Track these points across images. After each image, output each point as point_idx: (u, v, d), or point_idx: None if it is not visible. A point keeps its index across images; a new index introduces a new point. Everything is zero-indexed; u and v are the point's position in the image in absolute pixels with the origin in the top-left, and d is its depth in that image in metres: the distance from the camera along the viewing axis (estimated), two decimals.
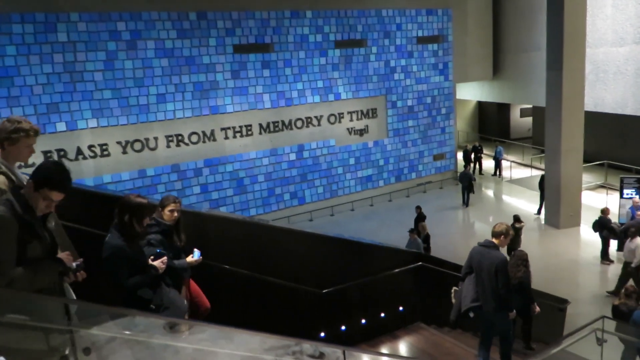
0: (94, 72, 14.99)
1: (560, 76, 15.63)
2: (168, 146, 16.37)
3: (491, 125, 31.20)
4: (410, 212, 15.71)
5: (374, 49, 20.18)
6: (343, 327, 7.06)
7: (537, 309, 7.39)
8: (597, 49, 19.13)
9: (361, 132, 20.45)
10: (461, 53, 22.90)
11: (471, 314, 5.95)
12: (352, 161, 20.38)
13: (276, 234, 6.73)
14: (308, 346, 3.82)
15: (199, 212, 7.03)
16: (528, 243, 15.80)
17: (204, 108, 16.78)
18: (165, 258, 4.29)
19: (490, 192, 22.29)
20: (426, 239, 14.39)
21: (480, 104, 32.12)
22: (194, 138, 16.79)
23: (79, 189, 5.64)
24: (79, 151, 15.06)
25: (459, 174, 20.82)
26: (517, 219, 13.86)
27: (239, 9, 17.06)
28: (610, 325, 7.74)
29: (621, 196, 15.67)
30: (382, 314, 7.44)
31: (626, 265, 11.78)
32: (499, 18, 24.44)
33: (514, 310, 6.19)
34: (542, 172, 17.55)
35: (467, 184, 19.41)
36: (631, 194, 15.22)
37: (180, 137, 16.54)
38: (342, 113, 19.88)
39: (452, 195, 20.99)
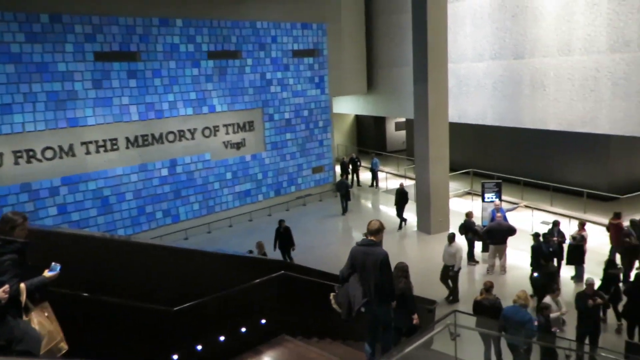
0: None
1: (426, 89, 16.31)
2: (16, 163, 14.74)
3: (369, 138, 32.15)
4: (290, 225, 15.40)
5: (249, 61, 19.91)
6: (199, 347, 6.53)
7: (417, 320, 7.39)
8: (459, 64, 20.29)
9: (238, 145, 20.00)
10: (337, 67, 23.32)
11: (362, 309, 6.05)
12: (229, 176, 19.84)
13: (117, 248, 6.07)
14: None
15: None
16: (402, 249, 16.28)
17: (60, 120, 15.38)
18: (6, 287, 3.74)
19: (368, 202, 22.76)
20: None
21: (357, 118, 33.02)
22: (49, 153, 15.30)
23: None
24: None
25: (336, 183, 21.08)
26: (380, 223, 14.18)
27: (101, 13, 15.99)
28: (470, 320, 7.96)
29: (483, 200, 16.60)
30: (243, 329, 7.00)
31: (446, 268, 12.48)
32: (372, 34, 25.28)
33: (395, 302, 6.40)
34: (398, 187, 18.17)
35: (345, 191, 19.97)
36: (492, 198, 16.17)
37: (31, 153, 14.96)
38: (218, 126, 19.33)
39: (332, 207, 21.13)
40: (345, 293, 6.13)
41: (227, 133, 19.62)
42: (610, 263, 11.15)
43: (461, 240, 14.91)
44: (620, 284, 10.98)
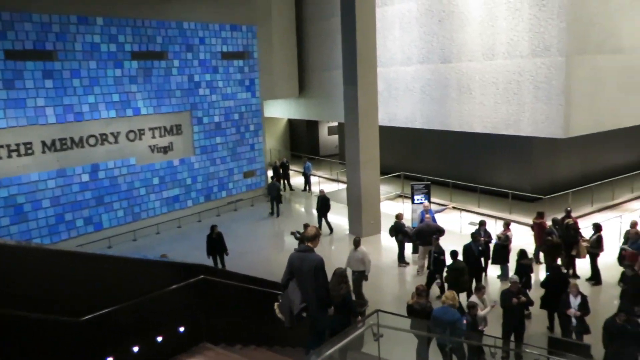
0: None
1: (356, 92, 16.28)
2: None
3: (301, 142, 32.00)
4: (222, 231, 14.90)
5: (176, 63, 19.27)
6: (110, 359, 6.03)
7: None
8: (389, 67, 20.49)
9: (165, 149, 19.28)
10: (267, 70, 23.02)
11: (304, 314, 6.16)
12: (156, 181, 19.07)
13: (9, 254, 5.46)
14: None
15: None
16: (335, 253, 16.10)
17: None
18: None
19: (300, 207, 22.53)
20: None
21: (290, 123, 32.82)
22: None
23: None
24: None
25: (267, 186, 20.76)
26: (306, 226, 14.07)
27: (12, 9, 14.96)
28: (397, 321, 7.84)
29: (412, 202, 16.73)
30: (159, 338, 6.54)
31: (357, 275, 12.14)
32: (302, 37, 25.18)
33: (332, 307, 6.51)
34: (319, 194, 18.01)
35: (276, 194, 19.88)
36: (421, 200, 16.31)
37: None
38: (143, 129, 18.54)
39: (264, 211, 20.76)
40: (287, 300, 6.24)
41: (154, 137, 18.86)
42: (522, 254, 11.47)
43: (391, 243, 15.01)
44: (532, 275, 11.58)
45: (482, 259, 12.63)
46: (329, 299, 6.40)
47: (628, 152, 21.98)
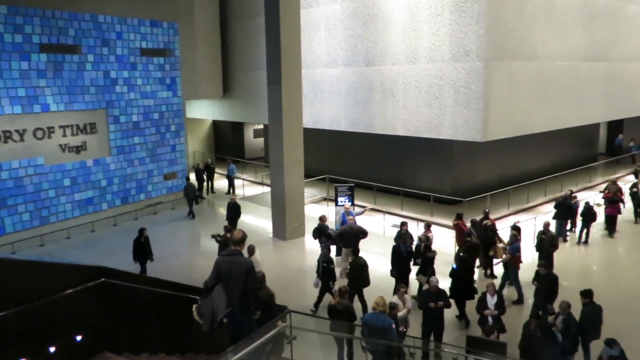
0: None
1: (280, 92, 15.97)
2: None
3: (226, 145, 31.28)
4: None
5: (91, 57, 18.22)
6: None
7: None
8: (314, 69, 20.35)
9: (78, 149, 18.16)
10: (190, 69, 22.31)
11: (225, 320, 6.07)
12: (67, 182, 17.92)
13: None
14: None
15: None
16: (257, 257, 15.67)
17: None
18: None
19: (223, 210, 21.82)
20: None
21: (215, 124, 32.03)
22: None
23: None
24: None
25: (184, 188, 20.05)
26: (228, 229, 13.71)
27: None
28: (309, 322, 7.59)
29: (336, 204, 16.61)
30: (52, 348, 5.91)
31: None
32: (227, 37, 24.62)
33: (258, 312, 6.49)
34: (229, 201, 17.36)
35: (193, 196, 19.55)
36: (345, 202, 16.21)
37: None
38: (53, 127, 17.38)
39: (185, 215, 19.97)
40: (209, 304, 6.13)
41: (65, 135, 17.72)
42: (426, 247, 11.86)
43: (315, 245, 14.78)
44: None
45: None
46: (259, 303, 6.47)
47: (542, 158, 22.98)
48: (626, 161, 27.08)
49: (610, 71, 20.97)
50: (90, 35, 18.18)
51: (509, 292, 12.33)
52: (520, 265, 12.23)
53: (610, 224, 16.53)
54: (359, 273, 11.10)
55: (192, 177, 22.84)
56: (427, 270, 11.59)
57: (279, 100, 16.04)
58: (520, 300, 11.89)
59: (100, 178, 18.95)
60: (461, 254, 11.88)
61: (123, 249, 15.75)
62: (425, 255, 11.77)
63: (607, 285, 12.85)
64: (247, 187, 23.92)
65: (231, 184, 23.34)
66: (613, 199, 16.40)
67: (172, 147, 21.44)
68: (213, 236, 14.12)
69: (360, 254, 13.95)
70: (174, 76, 21.16)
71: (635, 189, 17.26)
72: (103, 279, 6.34)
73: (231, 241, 6.36)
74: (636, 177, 19.78)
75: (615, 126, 29.29)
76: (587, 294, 9.03)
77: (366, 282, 11.21)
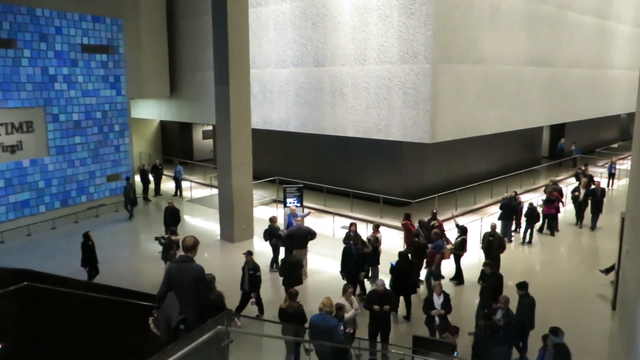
0: None
1: (228, 92, 15.61)
2: None
3: (174, 146, 30.50)
4: (78, 240, 13.43)
5: (27, 52, 17.35)
6: None
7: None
8: (263, 69, 20.07)
9: (13, 148, 17.24)
10: (135, 68, 21.61)
11: (181, 327, 5.93)
12: (1, 183, 16.97)
13: None
14: None
15: None
16: (204, 259, 15.24)
17: None
18: None
19: None
20: None
21: (163, 126, 31.21)
22: None
23: None
24: None
25: (124, 189, 19.41)
26: (173, 231, 13.38)
27: None
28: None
29: (285, 205, 16.37)
30: None
31: None
32: (174, 35, 24.04)
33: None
34: (167, 205, 16.44)
35: (133, 196, 19.09)
36: (293, 203, 16.00)
37: None
38: None
39: (128, 217, 19.28)
40: (164, 313, 6.02)
41: None
42: (362, 243, 12.04)
43: (264, 247, 14.49)
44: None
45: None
46: (210, 310, 6.32)
47: (488, 160, 23.44)
48: (568, 164, 27.98)
49: (553, 76, 21.60)
50: (27, 29, 17.32)
51: (457, 291, 12.42)
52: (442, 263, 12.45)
53: (548, 223, 17.00)
54: (291, 270, 11.21)
55: (138, 178, 22.13)
56: (362, 266, 11.76)
57: (227, 101, 15.69)
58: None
59: (38, 179, 18.05)
60: (401, 251, 11.87)
61: (62, 254, 15.07)
62: (360, 251, 11.84)
63: (549, 283, 13.12)
64: (195, 189, 23.37)
65: (178, 186, 22.74)
66: (549, 199, 16.84)
67: (116, 148, 20.68)
68: (156, 238, 13.65)
69: (310, 256, 13.88)
70: (118, 74, 20.43)
71: (577, 193, 17.73)
72: (26, 283, 5.88)
73: (182, 247, 6.26)
74: (577, 180, 20.37)
75: (558, 130, 30.27)
76: (522, 286, 9.33)
77: (299, 280, 11.33)
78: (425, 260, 13.36)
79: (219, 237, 16.86)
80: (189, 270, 6.04)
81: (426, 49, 15.24)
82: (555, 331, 7.83)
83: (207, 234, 17.16)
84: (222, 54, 15.61)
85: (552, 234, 16.86)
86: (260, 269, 11.17)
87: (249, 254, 11.06)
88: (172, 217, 15.73)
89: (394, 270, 11.16)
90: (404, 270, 11.07)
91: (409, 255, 11.72)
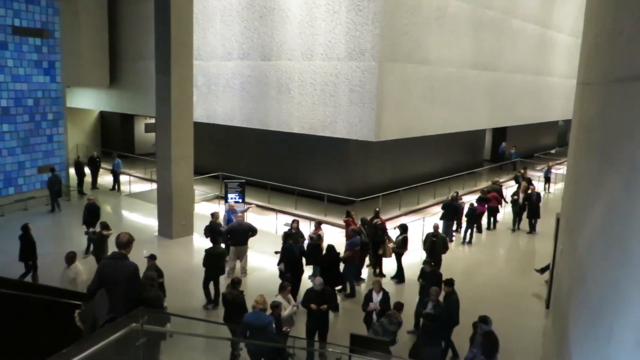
0: None
1: (169, 81, 15.04)
2: None
3: (115, 139, 29.25)
4: (9, 233, 12.52)
5: None
6: None
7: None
8: (209, 62, 19.52)
9: None
10: (72, 54, 20.60)
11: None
12: None
13: None
14: None
15: None
16: (141, 256, 14.61)
17: None
18: None
19: (107, 207, 20.34)
20: None
21: (103, 117, 29.93)
22: None
23: None
24: None
25: (48, 181, 18.37)
26: (105, 225, 12.67)
27: None
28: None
29: (226, 201, 15.94)
30: None
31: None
32: (115, 22, 23.10)
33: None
34: (87, 202, 15.05)
35: (58, 188, 18.32)
36: (235, 199, 15.59)
37: None
38: None
39: (62, 212, 18.30)
40: (91, 309, 6.03)
41: None
42: (286, 236, 12.02)
43: (206, 244, 13.98)
44: None
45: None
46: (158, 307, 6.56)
47: (432, 162, 23.71)
48: (508, 168, 28.74)
49: (496, 81, 22.04)
50: None
51: (397, 289, 12.38)
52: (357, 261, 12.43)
53: (488, 220, 17.45)
54: (214, 261, 11.17)
55: (73, 171, 21.09)
56: (287, 260, 11.67)
57: (168, 90, 15.11)
58: (352, 295, 12.10)
59: None
60: (329, 244, 11.78)
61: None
62: (285, 244, 11.78)
63: (487, 282, 13.29)
64: (135, 184, 22.54)
65: (116, 180, 21.82)
66: (483, 198, 17.12)
67: (49, 138, 19.62)
68: (86, 233, 12.97)
69: (250, 253, 13.52)
70: (53, 60, 19.38)
71: (515, 197, 18.01)
72: None
73: (116, 244, 6.18)
74: (517, 183, 20.85)
75: (500, 134, 31.05)
76: (449, 283, 9.42)
77: (221, 271, 11.46)
78: (366, 257, 13.31)
79: (156, 234, 16.23)
80: (123, 268, 6.01)
81: (373, 47, 15.15)
82: (485, 319, 8.09)
83: (145, 230, 16.52)
84: (164, 42, 15.03)
85: (480, 231, 17.21)
86: (163, 275, 10.40)
87: (152, 257, 10.43)
88: (92, 215, 14.44)
89: (323, 261, 11.24)
90: (332, 262, 11.16)
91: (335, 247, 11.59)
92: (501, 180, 24.90)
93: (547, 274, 12.60)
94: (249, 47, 18.24)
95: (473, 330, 8.34)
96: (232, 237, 12.82)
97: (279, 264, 11.69)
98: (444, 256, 13.03)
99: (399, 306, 8.69)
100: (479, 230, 17.34)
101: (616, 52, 5.13)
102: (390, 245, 13.27)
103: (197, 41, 19.04)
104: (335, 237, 15.77)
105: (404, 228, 13.31)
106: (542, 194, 19.28)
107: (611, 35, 5.53)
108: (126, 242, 6.19)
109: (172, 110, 15.16)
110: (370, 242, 13.08)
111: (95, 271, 6.19)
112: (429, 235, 13.11)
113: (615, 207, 4.24)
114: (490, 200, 17.38)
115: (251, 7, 17.94)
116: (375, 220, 13.42)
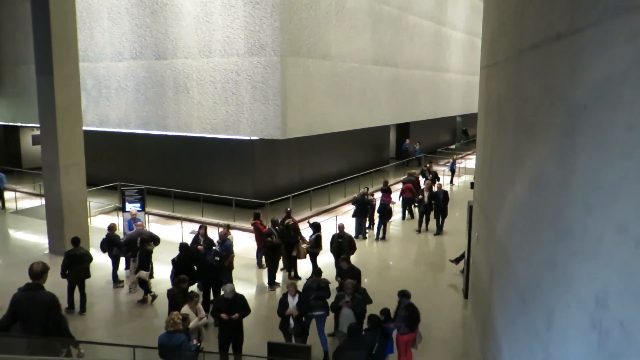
0: None
1: (52, 82, 13.64)
2: None
3: None
4: None
5: None
6: None
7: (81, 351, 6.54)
8: (98, 63, 18.13)
9: None
10: None
11: None
12: None
13: None
14: None
15: None
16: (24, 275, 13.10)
17: None
18: None
19: None
20: None
21: None
22: None
23: None
24: None
25: None
26: None
27: None
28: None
29: (124, 211, 14.74)
30: None
31: None
32: None
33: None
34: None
35: None
36: (136, 208, 14.44)
37: None
38: None
39: None
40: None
41: None
42: (143, 241, 11.55)
43: (103, 260, 12.76)
44: None
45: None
46: (70, 336, 6.12)
47: (340, 161, 23.57)
48: (414, 164, 29.31)
49: (397, 76, 22.28)
50: None
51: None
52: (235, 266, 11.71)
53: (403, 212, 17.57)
54: (76, 263, 10.60)
55: None
56: (147, 265, 11.46)
57: (51, 92, 13.70)
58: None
59: None
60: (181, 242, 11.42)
61: None
62: (143, 248, 11.43)
63: (402, 277, 13.15)
64: (22, 200, 20.50)
65: (0, 197, 19.71)
66: (385, 189, 17.08)
67: None
68: None
69: (157, 267, 12.50)
70: None
71: (420, 196, 17.16)
72: None
73: (30, 274, 5.92)
74: (424, 177, 21.12)
75: (403, 132, 31.67)
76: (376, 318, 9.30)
77: (86, 273, 10.87)
78: (279, 261, 12.76)
79: (47, 251, 14.69)
80: (38, 299, 5.76)
81: (274, 41, 14.63)
82: (405, 293, 8.53)
83: (33, 248, 14.94)
84: (44, 40, 13.64)
85: (412, 216, 17.91)
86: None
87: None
88: None
89: (176, 261, 10.70)
90: (185, 261, 10.70)
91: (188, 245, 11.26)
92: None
93: (462, 264, 12.63)
94: (142, 46, 17.09)
95: (398, 300, 8.59)
96: (131, 248, 11.79)
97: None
98: (358, 255, 12.74)
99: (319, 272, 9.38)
100: (411, 216, 18.08)
101: (527, 22, 4.93)
102: (304, 245, 12.79)
103: (84, 41, 17.62)
104: (245, 242, 15.12)
105: (316, 227, 12.86)
106: (448, 191, 18.50)
107: (519, 8, 5.34)
108: (40, 272, 5.94)
109: (57, 113, 13.77)
110: (283, 244, 12.51)
111: (9, 304, 5.85)
112: (334, 237, 12.64)
113: (544, 178, 3.96)
114: (407, 192, 17.40)
115: (141, 4, 16.81)
116: (287, 221, 12.88)
